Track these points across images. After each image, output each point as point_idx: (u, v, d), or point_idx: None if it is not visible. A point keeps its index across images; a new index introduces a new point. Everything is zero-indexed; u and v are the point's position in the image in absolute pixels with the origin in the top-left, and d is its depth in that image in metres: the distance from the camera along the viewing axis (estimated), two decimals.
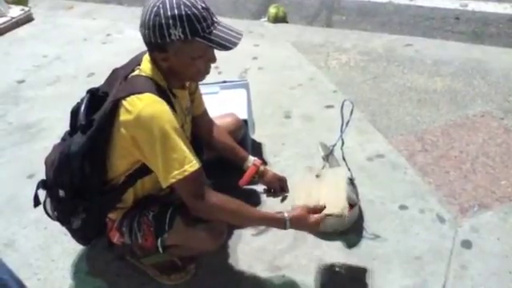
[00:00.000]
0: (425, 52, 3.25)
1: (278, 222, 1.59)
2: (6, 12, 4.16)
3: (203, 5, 1.42)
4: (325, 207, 1.66)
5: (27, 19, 4.22)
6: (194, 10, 1.39)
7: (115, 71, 1.62)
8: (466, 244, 1.87)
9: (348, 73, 3.10)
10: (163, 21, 1.38)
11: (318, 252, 1.87)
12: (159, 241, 1.60)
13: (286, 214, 1.58)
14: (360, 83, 2.98)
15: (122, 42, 3.73)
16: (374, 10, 4.06)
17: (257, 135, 2.48)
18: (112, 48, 3.67)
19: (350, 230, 1.94)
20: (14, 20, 4.12)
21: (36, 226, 2.09)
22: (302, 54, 3.35)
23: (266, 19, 3.98)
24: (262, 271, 1.82)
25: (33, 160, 2.46)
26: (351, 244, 1.90)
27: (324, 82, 3.02)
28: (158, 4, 1.39)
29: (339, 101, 1.96)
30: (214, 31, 1.43)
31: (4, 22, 4.07)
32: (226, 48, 1.43)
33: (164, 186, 1.46)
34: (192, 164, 1.43)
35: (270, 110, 2.75)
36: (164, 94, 1.48)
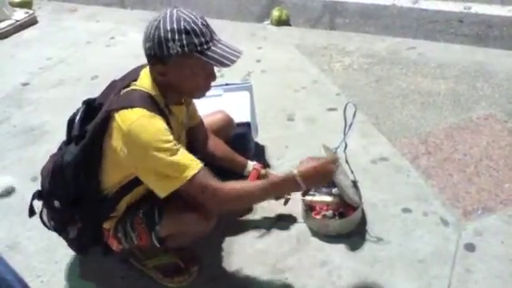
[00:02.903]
0: (428, 55, 3.25)
1: (288, 182, 1.55)
2: (11, 15, 4.18)
3: (203, 21, 1.44)
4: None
5: (31, 22, 4.24)
6: (193, 25, 1.41)
7: (113, 83, 1.63)
8: (470, 247, 1.86)
9: (351, 75, 3.10)
10: (162, 34, 1.40)
11: (320, 255, 1.87)
12: (153, 234, 1.61)
13: (294, 171, 1.54)
14: (363, 86, 2.97)
15: (125, 44, 3.73)
16: (377, 12, 4.06)
17: (260, 138, 2.48)
18: (116, 51, 3.68)
19: (353, 232, 1.94)
20: (18, 23, 4.14)
21: (40, 228, 2.09)
22: (306, 57, 3.35)
23: (269, 22, 3.97)
24: (264, 274, 1.81)
25: (37, 162, 2.44)
26: (354, 247, 1.89)
27: (327, 84, 3.02)
28: (159, 18, 1.43)
29: (342, 103, 1.96)
30: (213, 47, 1.45)
31: (9, 25, 4.09)
32: (223, 65, 1.44)
33: (161, 196, 1.47)
34: (187, 172, 1.43)
35: (273, 112, 2.75)
36: (160, 110, 1.48)
